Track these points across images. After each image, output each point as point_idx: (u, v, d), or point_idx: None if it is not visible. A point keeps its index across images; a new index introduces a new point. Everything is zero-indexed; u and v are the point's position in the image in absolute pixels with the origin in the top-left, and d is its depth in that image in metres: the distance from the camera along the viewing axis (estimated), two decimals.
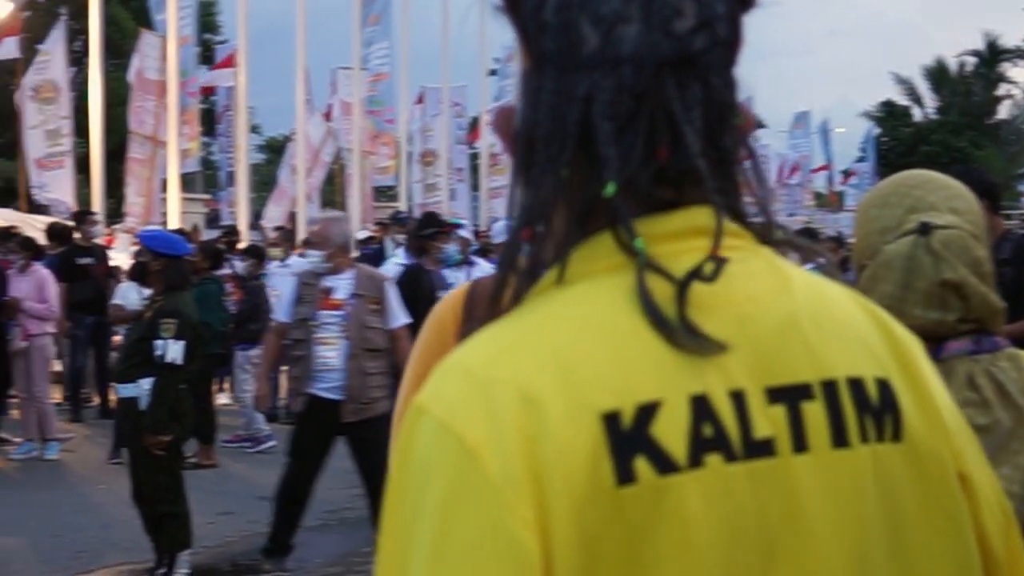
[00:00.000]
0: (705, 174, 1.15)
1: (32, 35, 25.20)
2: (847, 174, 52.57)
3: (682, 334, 1.10)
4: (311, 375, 7.90)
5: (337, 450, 8.19)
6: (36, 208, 22.54)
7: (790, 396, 1.15)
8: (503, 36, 33.89)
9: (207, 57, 30.97)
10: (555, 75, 1.17)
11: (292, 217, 25.38)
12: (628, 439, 1.07)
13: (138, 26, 27.51)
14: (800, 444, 1.14)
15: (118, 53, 36.87)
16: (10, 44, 22.61)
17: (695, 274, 1.13)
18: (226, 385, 16.49)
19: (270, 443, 13.02)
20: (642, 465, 1.07)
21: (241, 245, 18.40)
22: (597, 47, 1.15)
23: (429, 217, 11.23)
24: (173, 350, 7.57)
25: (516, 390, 1.08)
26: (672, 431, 1.08)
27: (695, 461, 1.08)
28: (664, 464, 1.07)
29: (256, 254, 14.03)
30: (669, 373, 1.10)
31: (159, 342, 7.56)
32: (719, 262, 1.14)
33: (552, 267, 1.18)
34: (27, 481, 11.38)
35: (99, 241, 15.75)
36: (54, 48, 22.06)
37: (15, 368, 12.56)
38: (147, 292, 8.76)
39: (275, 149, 59.69)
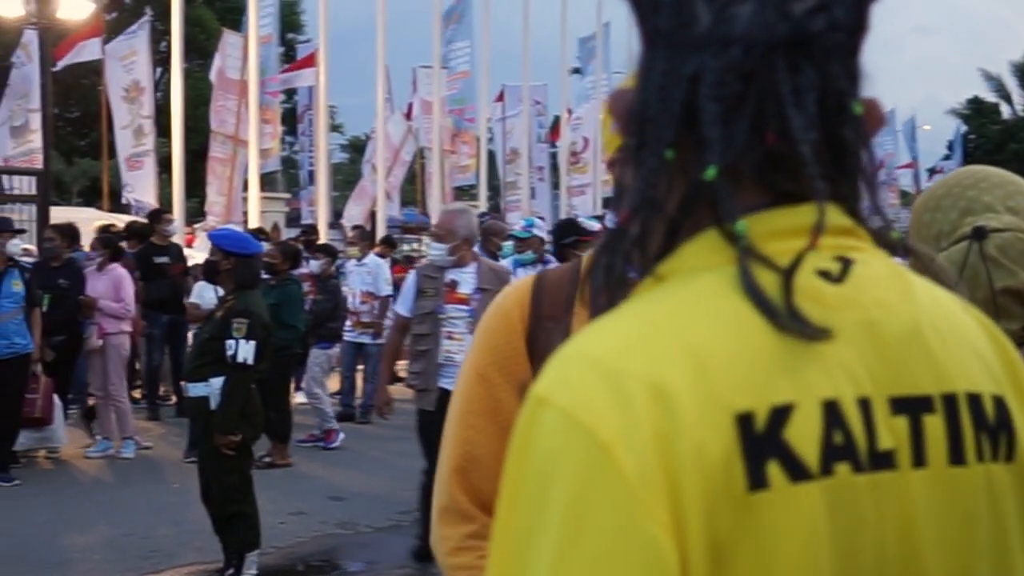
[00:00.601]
0: (810, 162, 1.12)
1: (119, 36, 25.37)
2: (933, 172, 51.86)
3: (786, 318, 1.07)
4: (437, 370, 7.75)
5: (409, 449, 8.09)
6: (120, 207, 22.77)
7: (912, 408, 1.12)
8: (585, 33, 33.78)
9: (291, 57, 31.11)
10: (666, 54, 1.15)
11: (372, 216, 25.37)
12: (761, 442, 1.04)
13: (222, 27, 27.66)
14: (919, 459, 1.12)
15: (203, 54, 37.30)
16: (93, 46, 22.79)
17: (825, 274, 1.12)
18: (303, 384, 16.51)
19: (340, 437, 13.01)
20: (775, 470, 1.04)
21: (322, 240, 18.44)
22: (709, 26, 1.13)
23: (569, 224, 11.02)
24: (244, 350, 7.51)
25: (648, 384, 1.04)
26: (805, 436, 1.06)
27: (826, 469, 1.06)
28: (797, 470, 1.05)
29: (328, 252, 13.97)
30: (801, 375, 1.07)
31: (230, 342, 7.51)
32: (846, 263, 1.13)
33: (664, 256, 1.16)
34: (103, 479, 11.42)
35: (176, 240, 15.81)
36: (138, 48, 22.20)
37: (91, 367, 12.60)
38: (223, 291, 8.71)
39: (358, 148, 60.08)
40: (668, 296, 1.13)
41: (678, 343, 1.07)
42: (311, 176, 27.83)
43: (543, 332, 2.21)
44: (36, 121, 20.00)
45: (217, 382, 7.49)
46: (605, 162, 2.33)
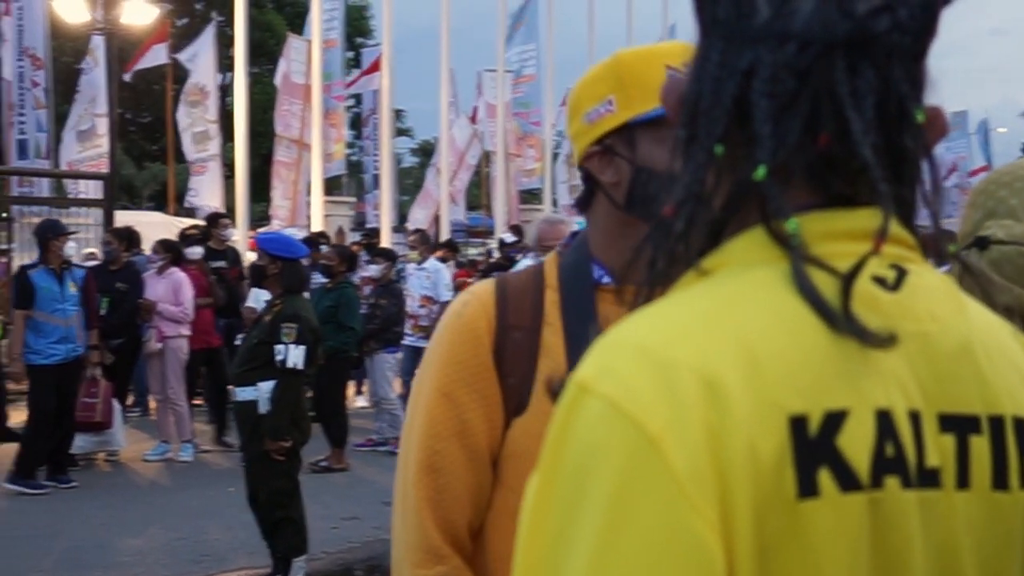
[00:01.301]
0: (873, 165, 1.08)
1: (189, 41, 25.60)
2: None
3: (843, 321, 1.04)
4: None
5: None
6: (187, 211, 22.94)
7: (960, 427, 1.09)
8: (649, 38, 33.70)
9: (359, 62, 31.21)
10: (722, 46, 1.13)
11: (437, 220, 25.40)
12: (814, 448, 1.01)
13: (291, 31, 27.81)
14: (963, 480, 1.09)
15: (271, 58, 37.48)
16: (160, 51, 23.00)
17: (880, 281, 1.10)
18: (364, 388, 16.51)
19: None
20: (825, 478, 1.01)
21: (385, 244, 18.46)
22: (768, 19, 1.10)
23: None
24: (294, 355, 7.49)
25: (700, 376, 1.00)
26: (857, 445, 1.02)
27: (876, 481, 1.03)
28: (848, 480, 1.02)
29: (389, 257, 13.92)
30: (855, 381, 1.04)
31: (280, 347, 7.49)
32: (901, 272, 1.11)
33: (706, 253, 1.13)
34: (159, 482, 11.46)
35: (233, 244, 15.86)
36: (201, 52, 22.37)
37: (150, 370, 12.67)
38: None
39: (428, 152, 60.32)
40: (720, 288, 1.09)
41: (731, 336, 1.03)
42: (376, 180, 27.91)
43: (511, 344, 2.05)
44: (103, 126, 20.22)
45: (265, 386, 7.47)
46: (572, 164, 2.23)
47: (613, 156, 2.04)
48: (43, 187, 20.52)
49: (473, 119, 29.37)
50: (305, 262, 8.49)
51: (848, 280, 1.06)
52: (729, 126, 1.11)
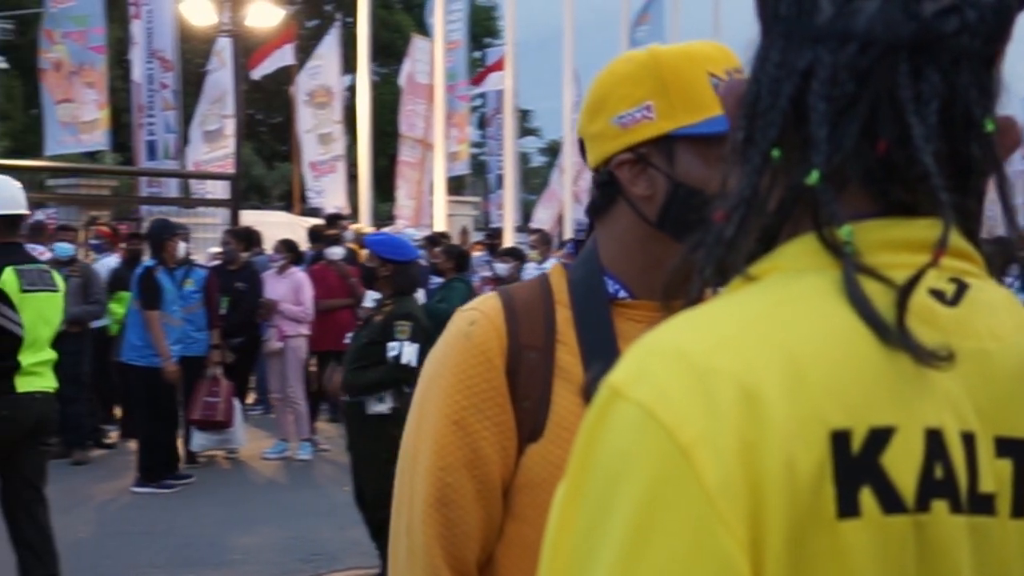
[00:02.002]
0: (934, 173, 1.03)
1: (318, 43, 25.85)
2: None
3: (897, 335, 0.99)
4: None
5: None
6: (311, 212, 23.15)
7: (1019, 451, 1.04)
8: None
9: (486, 62, 31.26)
10: (781, 44, 1.09)
11: (561, 219, 25.32)
12: (856, 465, 0.96)
13: (419, 32, 27.95)
14: (1019, 508, 1.03)
15: (400, 59, 37.72)
16: (286, 52, 23.24)
17: (938, 295, 1.05)
18: None
19: None
20: (867, 498, 0.96)
21: (508, 243, 18.42)
22: (830, 17, 1.06)
23: None
24: (408, 351, 7.43)
25: (738, 385, 0.96)
26: (904, 465, 0.98)
27: (922, 504, 0.98)
28: (891, 501, 0.97)
29: (516, 256, 13.85)
30: (904, 397, 0.99)
31: (393, 344, 7.44)
32: (961, 286, 1.06)
33: (759, 256, 1.09)
34: (276, 480, 11.55)
35: (352, 245, 15.93)
36: (328, 53, 22.56)
37: (270, 369, 12.76)
38: None
39: (556, 152, 60.26)
40: (766, 294, 1.05)
41: (775, 345, 0.99)
42: (500, 179, 27.93)
43: (525, 365, 1.88)
44: (231, 126, 20.48)
45: None
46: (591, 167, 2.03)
47: (647, 167, 1.87)
48: (171, 187, 20.90)
49: None
50: (423, 262, 8.46)
51: (904, 292, 1.01)
52: (785, 128, 1.07)
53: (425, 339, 7.60)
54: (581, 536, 0.96)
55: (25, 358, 6.58)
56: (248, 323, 12.40)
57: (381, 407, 7.41)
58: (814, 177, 1.03)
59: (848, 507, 0.95)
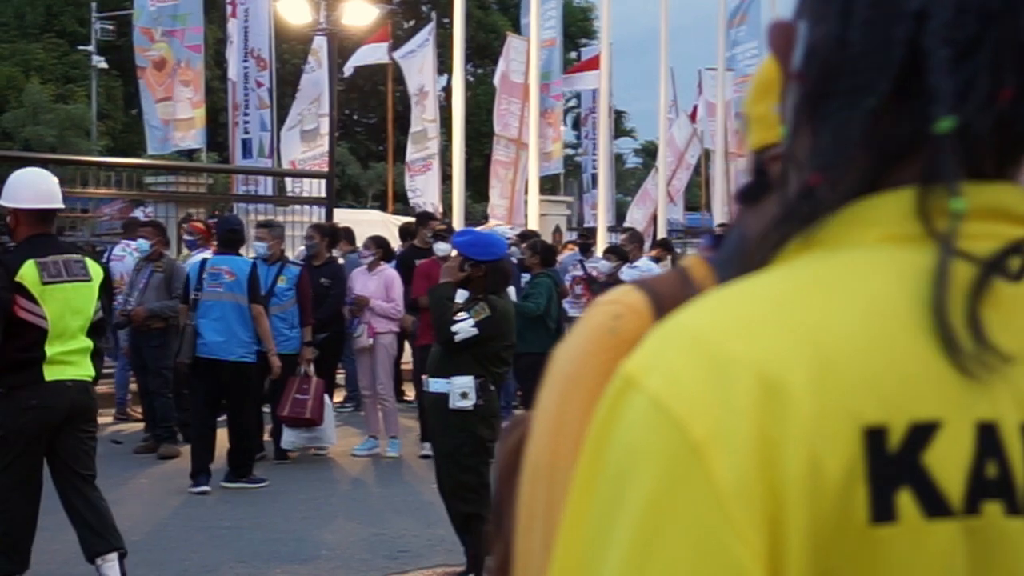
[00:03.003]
0: None
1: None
2: None
3: (971, 356, 0.88)
4: None
5: None
6: (408, 211, 23.19)
7: None
8: None
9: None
10: None
11: (655, 220, 25.17)
12: (893, 465, 0.86)
13: (515, 32, 27.94)
14: None
15: (495, 60, 37.76)
16: (380, 50, 23.30)
17: (994, 265, 0.92)
18: None
19: None
20: (906, 501, 0.86)
21: (597, 247, 18.31)
22: None
23: None
24: (464, 326, 7.32)
25: (758, 376, 0.87)
26: (950, 463, 0.87)
27: (971, 507, 0.87)
28: (934, 504, 0.87)
29: (620, 255, 13.66)
30: (953, 387, 0.88)
31: (463, 313, 7.35)
32: None
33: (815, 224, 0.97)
34: (364, 477, 11.53)
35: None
36: (423, 52, 22.59)
37: (360, 366, 12.74)
38: None
39: (651, 153, 60.07)
40: (801, 271, 0.95)
41: (802, 329, 0.89)
42: (594, 179, 27.82)
43: None
44: (326, 125, 20.57)
45: (459, 381, 7.35)
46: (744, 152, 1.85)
47: None
48: (266, 186, 21.02)
49: (693, 118, 29.03)
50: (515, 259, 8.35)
51: (985, 276, 0.90)
52: (898, 78, 0.95)
53: (494, 332, 7.47)
54: (590, 536, 0.90)
55: (52, 348, 6.61)
56: (332, 319, 12.32)
57: (464, 403, 7.33)
58: (946, 125, 0.92)
59: (883, 511, 0.86)
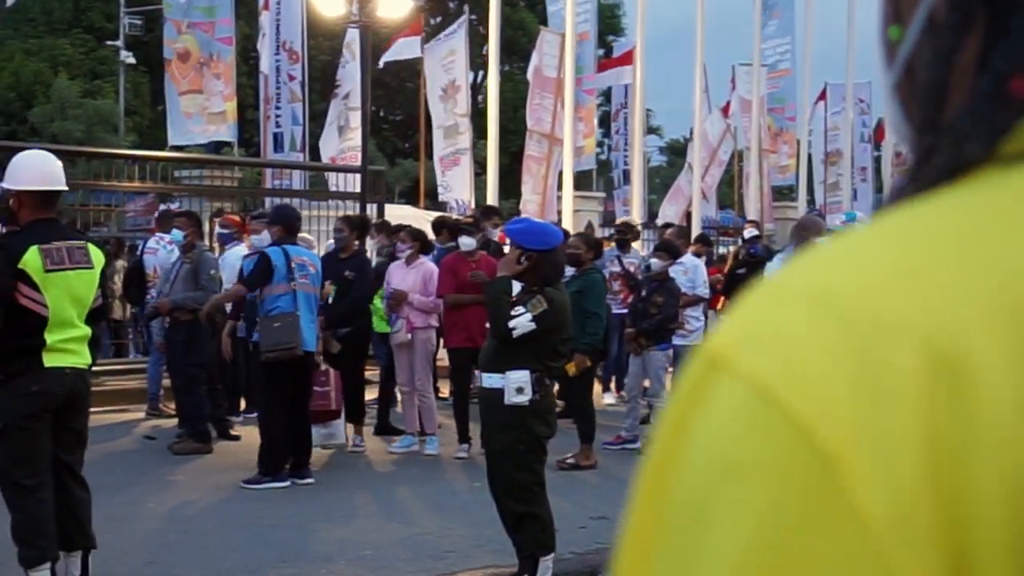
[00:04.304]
0: None
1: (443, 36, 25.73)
2: None
3: None
4: None
5: None
6: (438, 207, 22.99)
7: None
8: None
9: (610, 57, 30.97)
10: None
11: (687, 217, 24.91)
12: None
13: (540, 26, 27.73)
14: None
15: (524, 56, 37.58)
16: (413, 44, 23.07)
17: None
18: (611, 385, 16.10)
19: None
20: None
21: (636, 243, 18.00)
22: None
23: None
24: (523, 323, 7.05)
25: (925, 346, 0.57)
26: None
27: None
28: None
29: (671, 251, 13.30)
30: None
31: (520, 309, 7.08)
32: None
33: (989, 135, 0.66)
34: (404, 475, 11.28)
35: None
36: (456, 48, 22.36)
37: (398, 361, 12.48)
38: None
39: (676, 151, 59.79)
40: (975, 199, 0.64)
41: (989, 279, 0.59)
42: (625, 176, 27.56)
43: None
44: (357, 119, 20.36)
45: (513, 375, 7.10)
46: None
47: None
48: (297, 180, 20.83)
49: (725, 113, 28.75)
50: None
51: None
52: None
53: (552, 325, 7.20)
54: (669, 562, 0.60)
55: (52, 336, 6.51)
56: (355, 313, 11.97)
57: (520, 398, 7.08)
58: None
59: None
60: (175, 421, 12.76)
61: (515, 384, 7.08)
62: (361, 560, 8.10)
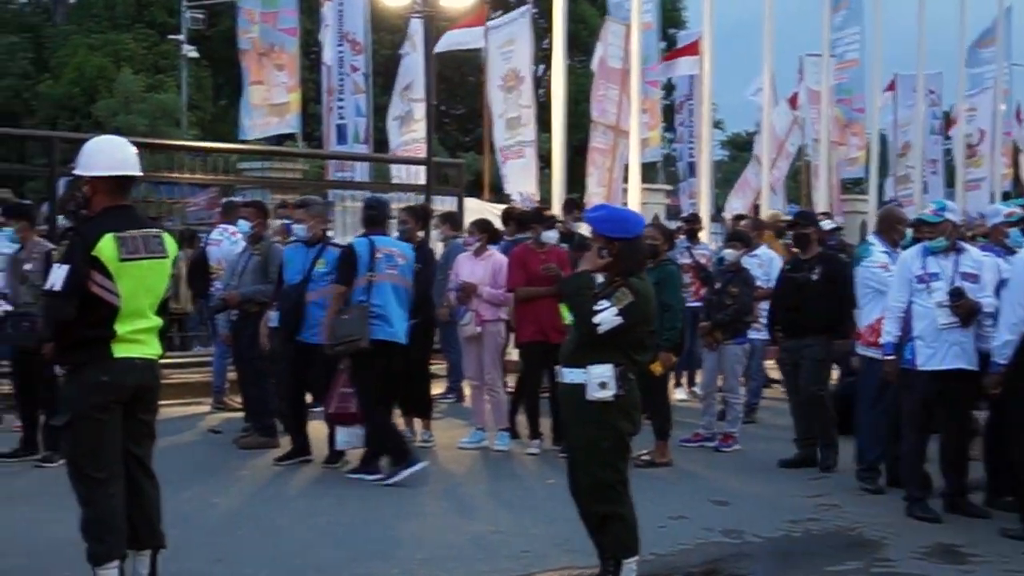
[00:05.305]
0: None
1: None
2: None
3: None
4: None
5: None
6: (502, 199, 22.73)
7: None
8: (983, 22, 31.88)
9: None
10: None
11: (755, 210, 24.47)
12: None
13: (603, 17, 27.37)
14: None
15: (585, 50, 37.23)
16: (476, 34, 22.79)
17: None
18: (683, 380, 15.76)
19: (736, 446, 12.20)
20: None
21: (703, 234, 17.64)
22: None
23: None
24: (609, 317, 6.68)
25: None
26: None
27: None
28: None
29: (745, 242, 12.91)
30: None
31: (605, 301, 6.74)
32: None
33: None
34: (473, 472, 11.00)
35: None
36: (517, 36, 22.04)
37: (467, 355, 12.19)
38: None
39: (738, 146, 59.19)
40: None
41: None
42: (691, 168, 27.13)
43: None
44: (420, 110, 20.12)
45: (596, 370, 6.74)
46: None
47: None
48: (362, 172, 20.62)
49: (793, 105, 28.25)
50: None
51: None
52: None
53: (638, 318, 6.87)
54: None
55: (122, 326, 6.27)
56: (419, 304, 11.45)
57: (603, 393, 6.74)
58: None
59: None
60: (241, 415, 12.55)
61: (598, 379, 6.73)
62: (434, 559, 7.80)
